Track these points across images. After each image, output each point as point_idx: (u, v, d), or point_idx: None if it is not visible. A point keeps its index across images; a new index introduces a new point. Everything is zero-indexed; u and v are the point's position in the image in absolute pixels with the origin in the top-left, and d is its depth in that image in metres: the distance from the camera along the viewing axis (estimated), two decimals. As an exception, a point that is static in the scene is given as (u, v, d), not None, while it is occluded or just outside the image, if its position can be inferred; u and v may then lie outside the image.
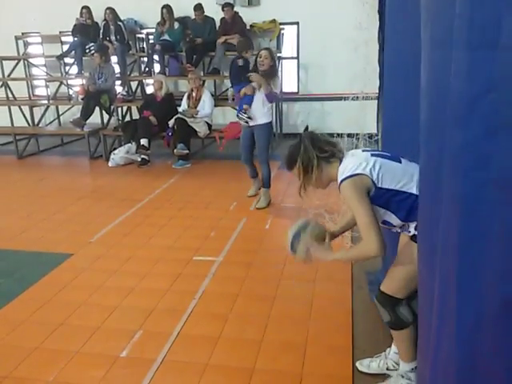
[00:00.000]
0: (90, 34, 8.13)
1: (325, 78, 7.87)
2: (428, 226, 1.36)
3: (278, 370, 2.37)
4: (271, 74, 4.57)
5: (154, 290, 3.19)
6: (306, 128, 2.09)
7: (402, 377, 2.11)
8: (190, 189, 5.51)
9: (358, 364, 2.36)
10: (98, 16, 8.09)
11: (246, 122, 4.63)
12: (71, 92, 8.76)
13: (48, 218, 4.66)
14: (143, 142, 6.52)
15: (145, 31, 8.38)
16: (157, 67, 7.94)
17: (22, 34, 8.94)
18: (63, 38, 8.83)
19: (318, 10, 7.70)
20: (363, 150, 2.04)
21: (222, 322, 2.78)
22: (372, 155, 1.94)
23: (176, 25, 7.76)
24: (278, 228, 4.31)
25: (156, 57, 7.84)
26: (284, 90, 8.05)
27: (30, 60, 9.12)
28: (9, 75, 8.57)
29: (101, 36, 8.09)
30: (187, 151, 6.45)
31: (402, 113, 2.25)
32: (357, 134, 4.24)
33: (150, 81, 8.11)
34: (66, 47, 8.53)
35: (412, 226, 1.90)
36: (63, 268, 3.57)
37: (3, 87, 8.36)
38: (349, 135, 4.22)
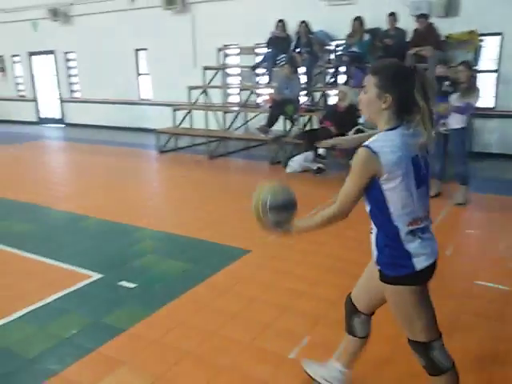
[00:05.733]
0: (282, 46, 8.61)
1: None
2: None
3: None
4: (470, 87, 4.60)
5: (324, 298, 3.20)
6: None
7: None
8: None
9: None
10: (291, 29, 8.53)
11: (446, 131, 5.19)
12: (259, 100, 9.40)
13: (229, 214, 5.06)
14: (321, 151, 6.64)
15: (334, 43, 8.53)
16: (342, 78, 8.01)
17: (224, 46, 9.91)
18: (257, 50, 9.53)
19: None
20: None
21: (393, 344, 2.64)
22: (410, 159, 1.69)
23: (366, 36, 7.73)
24: (460, 256, 3.94)
25: (342, 68, 7.92)
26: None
27: (227, 70, 10.07)
28: (209, 83, 9.59)
29: (292, 48, 8.51)
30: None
31: None
32: None
33: (333, 91, 8.23)
34: (258, 58, 9.20)
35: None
36: (241, 262, 3.82)
37: (204, 94, 9.39)
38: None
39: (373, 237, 1.83)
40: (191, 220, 4.94)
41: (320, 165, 6.67)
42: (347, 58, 7.62)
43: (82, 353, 2.66)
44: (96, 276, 3.61)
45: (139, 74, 11.42)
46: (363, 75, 7.70)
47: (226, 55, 10.26)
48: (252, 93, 9.39)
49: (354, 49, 7.73)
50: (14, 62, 13.52)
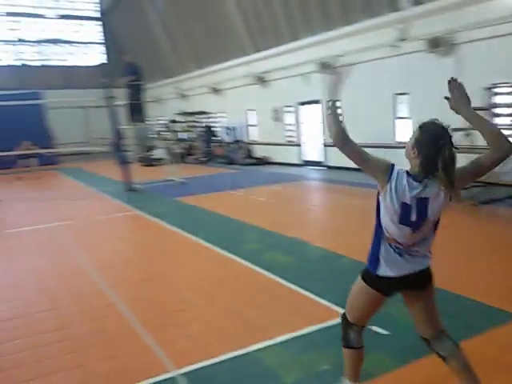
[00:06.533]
0: None
1: None
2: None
3: None
4: None
5: None
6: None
7: None
8: None
9: None
10: None
11: None
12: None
13: (494, 268, 4.52)
14: None
15: None
16: None
17: (492, 85, 9.10)
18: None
19: None
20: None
21: None
22: (399, 202, 2.09)
23: None
24: None
25: None
26: None
27: (495, 110, 9.17)
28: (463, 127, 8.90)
29: None
30: None
31: None
32: None
33: None
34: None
35: None
36: (509, 329, 3.32)
37: (466, 135, 8.76)
38: None
39: None
40: (445, 271, 4.56)
41: None
42: None
43: (331, 391, 2.73)
44: (347, 315, 3.69)
45: (397, 118, 11.46)
46: None
47: (495, 94, 9.37)
48: (526, 133, 8.28)
49: None
50: (286, 112, 15.41)
